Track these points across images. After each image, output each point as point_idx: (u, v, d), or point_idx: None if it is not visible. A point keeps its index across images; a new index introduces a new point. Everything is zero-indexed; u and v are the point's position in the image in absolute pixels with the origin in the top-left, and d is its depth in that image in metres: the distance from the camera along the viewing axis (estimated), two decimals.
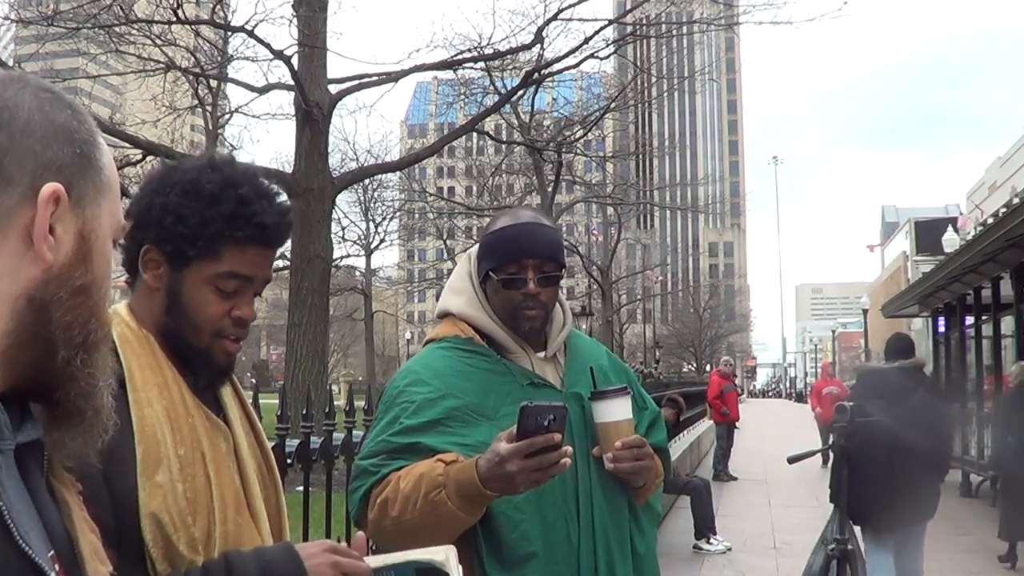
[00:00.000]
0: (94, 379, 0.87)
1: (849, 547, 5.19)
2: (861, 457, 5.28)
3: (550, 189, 26.76)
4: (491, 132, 22.01)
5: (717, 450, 14.95)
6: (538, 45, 16.32)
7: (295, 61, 14.01)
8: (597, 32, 17.00)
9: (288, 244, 1.62)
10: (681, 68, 48.21)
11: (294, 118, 14.48)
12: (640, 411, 2.20)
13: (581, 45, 16.71)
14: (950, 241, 23.44)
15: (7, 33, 36.99)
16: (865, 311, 38.63)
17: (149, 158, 16.49)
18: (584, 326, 32.31)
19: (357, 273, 45.64)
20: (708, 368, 53.26)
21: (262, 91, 17.00)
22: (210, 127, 26.84)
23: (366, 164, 26.83)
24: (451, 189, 64.12)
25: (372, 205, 39.70)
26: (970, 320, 14.56)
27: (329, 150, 15.69)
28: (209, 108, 26.25)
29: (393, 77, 15.37)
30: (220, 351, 1.51)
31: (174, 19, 14.54)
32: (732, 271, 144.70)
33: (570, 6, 16.43)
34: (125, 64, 18.45)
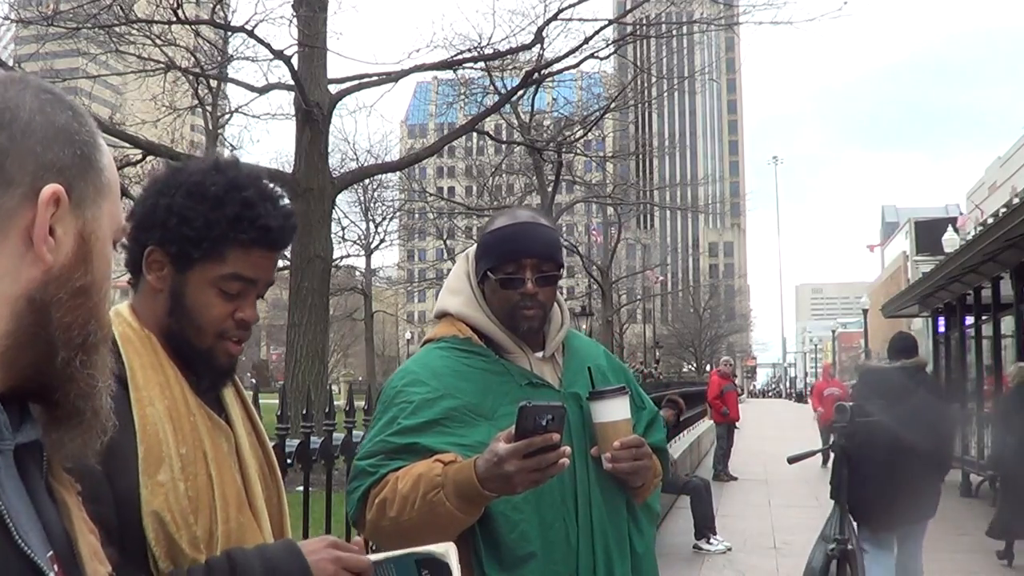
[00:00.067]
0: (93, 380, 0.87)
1: (849, 547, 5.19)
2: (861, 457, 5.29)
3: (550, 189, 26.76)
4: (491, 132, 22.01)
5: (717, 450, 14.95)
6: (538, 45, 16.32)
7: (295, 61, 14.01)
8: (597, 32, 17.01)
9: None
10: (681, 68, 48.23)
11: (294, 118, 14.48)
12: (638, 411, 2.20)
13: (581, 45, 16.71)
14: (950, 241, 23.45)
15: (7, 33, 37.00)
16: (865, 311, 38.62)
17: (149, 158, 16.50)
18: (584, 326, 32.34)
19: (357, 273, 45.64)
20: (708, 368, 53.25)
21: (262, 91, 17.01)
22: (210, 127, 26.84)
23: (366, 164, 26.82)
24: (451, 189, 64.11)
25: (372, 205, 39.71)
26: (970, 320, 14.56)
27: (329, 150, 15.69)
28: (209, 108, 26.25)
29: (393, 77, 15.37)
30: (222, 352, 1.51)
31: (174, 19, 14.53)
32: (732, 271, 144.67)
33: (570, 6, 16.44)
34: (125, 64, 18.45)
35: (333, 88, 14.72)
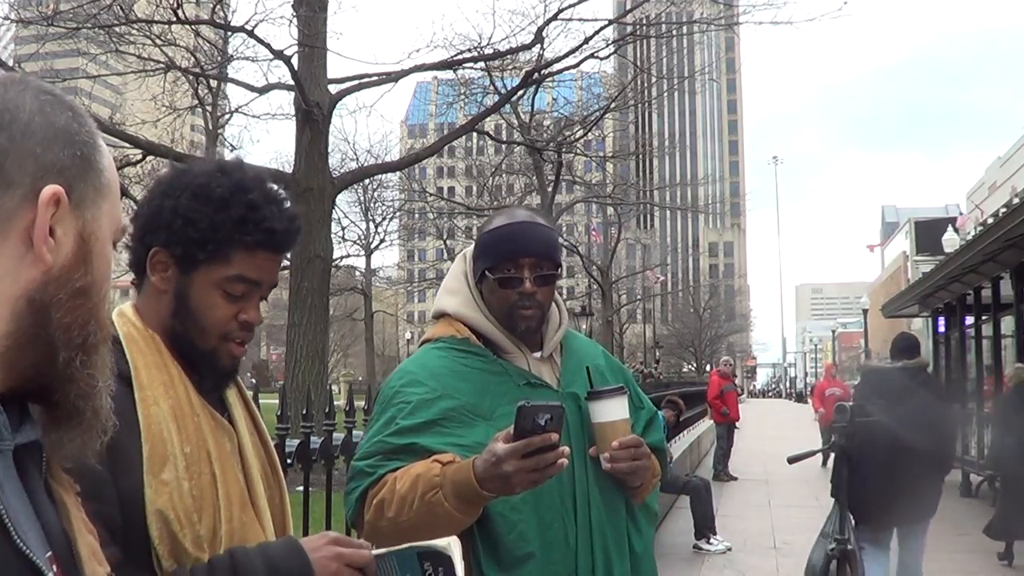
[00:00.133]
0: (93, 380, 0.87)
1: (849, 547, 5.20)
2: (862, 456, 5.30)
3: (550, 189, 26.76)
4: (491, 132, 22.00)
5: (717, 450, 14.95)
6: (538, 45, 16.31)
7: (295, 61, 14.00)
8: (597, 32, 16.99)
9: None
10: (681, 68, 48.23)
11: (294, 118, 14.47)
12: (636, 410, 2.20)
13: (581, 45, 16.70)
14: (950, 241, 23.44)
15: (7, 33, 37.02)
16: (865, 311, 38.62)
17: (149, 158, 16.50)
18: (584, 326, 32.34)
19: (357, 273, 45.64)
20: (708, 368, 53.25)
21: (262, 91, 17.00)
22: (210, 127, 26.85)
23: (366, 164, 26.82)
24: (451, 189, 64.12)
25: (372, 205, 39.71)
26: (970, 320, 14.56)
27: (329, 150, 15.68)
28: (209, 108, 26.25)
29: (393, 77, 15.36)
30: (225, 354, 1.52)
31: (174, 19, 14.52)
32: (732, 271, 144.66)
33: (570, 6, 16.42)
34: (125, 64, 18.44)
35: (333, 88, 14.71)
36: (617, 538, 2.06)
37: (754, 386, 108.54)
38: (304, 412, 2.67)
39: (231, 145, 28.11)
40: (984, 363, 13.84)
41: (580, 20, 21.03)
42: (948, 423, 6.10)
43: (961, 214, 37.72)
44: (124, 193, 15.61)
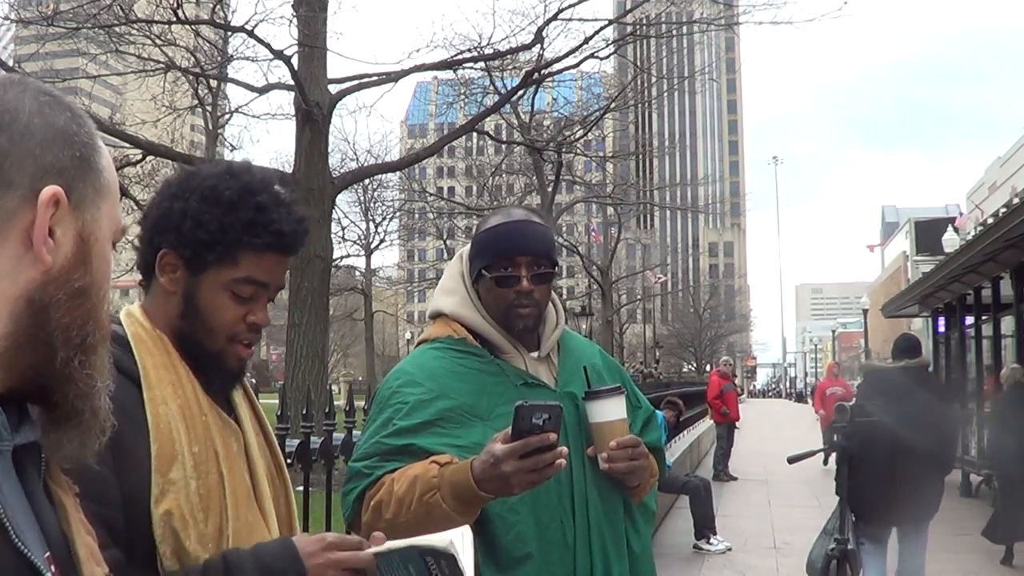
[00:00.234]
0: (92, 380, 0.87)
1: (849, 546, 5.20)
2: (863, 456, 5.30)
3: (550, 189, 26.76)
4: (491, 132, 21.99)
5: (717, 450, 14.96)
6: (538, 45, 16.30)
7: (295, 61, 14.00)
8: (597, 32, 16.99)
9: None
10: (681, 68, 48.19)
11: (294, 118, 14.46)
12: (634, 410, 2.19)
13: (581, 45, 16.69)
14: (950, 241, 23.42)
15: (7, 33, 37.02)
16: (865, 311, 38.61)
17: (149, 158, 16.49)
18: (584, 326, 32.34)
19: (357, 273, 45.61)
20: (708, 368, 53.25)
21: (262, 91, 16.99)
22: (210, 127, 26.85)
23: (366, 164, 26.82)
24: (451, 189, 64.15)
25: (372, 205, 39.67)
26: (970, 320, 14.56)
27: (329, 150, 15.67)
28: (209, 108, 26.26)
29: (393, 77, 15.36)
30: (232, 356, 1.53)
31: (174, 19, 14.52)
32: (732, 271, 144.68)
33: (570, 6, 16.42)
34: (125, 64, 18.44)
35: (333, 88, 14.70)
36: (615, 538, 2.06)
37: (754, 386, 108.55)
38: (304, 412, 2.67)
39: (231, 145, 28.13)
40: (984, 363, 13.84)
41: (580, 20, 20.99)
42: (949, 423, 6.10)
43: (961, 214, 37.71)
44: (124, 193, 15.62)
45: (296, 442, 2.64)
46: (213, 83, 24.26)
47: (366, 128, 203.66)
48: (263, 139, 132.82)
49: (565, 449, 1.81)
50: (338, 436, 2.94)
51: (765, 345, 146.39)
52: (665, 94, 34.41)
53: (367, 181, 33.25)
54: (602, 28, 17.47)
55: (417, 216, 40.91)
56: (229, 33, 18.33)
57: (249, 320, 1.52)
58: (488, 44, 16.59)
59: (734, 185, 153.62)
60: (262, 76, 50.40)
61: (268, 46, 14.20)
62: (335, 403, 3.52)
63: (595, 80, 28.94)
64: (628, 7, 19.82)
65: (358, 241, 41.51)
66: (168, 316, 1.51)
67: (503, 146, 29.29)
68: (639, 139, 40.03)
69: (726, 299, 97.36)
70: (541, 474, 1.79)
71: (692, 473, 11.31)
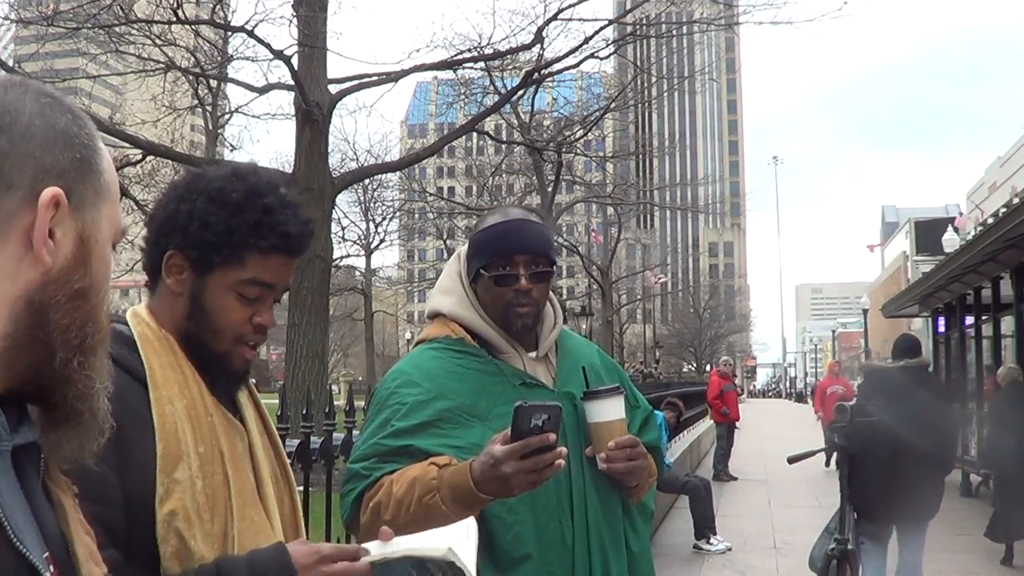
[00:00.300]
0: (91, 381, 0.87)
1: (849, 547, 5.20)
2: (865, 456, 5.30)
3: (550, 189, 26.76)
4: (491, 132, 21.98)
5: (717, 450, 14.96)
6: (538, 45, 16.30)
7: (295, 61, 13.99)
8: (597, 32, 16.98)
9: None
10: (681, 68, 48.18)
11: (294, 118, 14.46)
12: (632, 409, 2.19)
13: (581, 45, 16.68)
14: (950, 241, 23.43)
15: (7, 33, 37.00)
16: (865, 311, 38.61)
17: (149, 158, 16.48)
18: (584, 326, 32.34)
19: (357, 273, 45.60)
20: (708, 368, 53.25)
21: (262, 91, 16.98)
22: (210, 127, 26.84)
23: (366, 164, 26.81)
24: (451, 189, 64.14)
25: (372, 205, 39.66)
26: (970, 320, 14.56)
27: (329, 150, 15.67)
28: (209, 108, 26.24)
29: (393, 77, 15.35)
30: (238, 357, 1.54)
31: (174, 19, 14.52)
32: (732, 271, 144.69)
33: (570, 6, 16.41)
34: (125, 64, 18.43)
35: (333, 88, 14.70)
36: (614, 538, 2.06)
37: (754, 386, 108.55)
38: (304, 412, 2.67)
39: (231, 145, 28.13)
40: (984, 363, 13.84)
41: (580, 20, 20.99)
42: (949, 423, 6.11)
43: (961, 214, 37.71)
44: (124, 193, 15.61)
45: (296, 442, 2.64)
46: (213, 83, 24.25)
47: (366, 128, 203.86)
48: (263, 139, 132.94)
49: (564, 450, 1.81)
50: (338, 436, 2.94)
51: (765, 345, 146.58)
52: (665, 94, 34.41)
53: (367, 181, 33.26)
54: (602, 28, 17.47)
55: (417, 216, 40.90)
56: (229, 33, 18.33)
57: (255, 321, 1.53)
58: (488, 44, 16.60)
59: (734, 185, 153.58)
60: (262, 76, 50.42)
61: (268, 46, 14.20)
62: (335, 403, 3.52)
63: (595, 80, 28.95)
64: (628, 7, 19.81)
65: (358, 241, 41.52)
66: (174, 317, 1.52)
67: (503, 146, 29.30)
68: (639, 139, 40.03)
69: (726, 299, 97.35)
70: (541, 475, 1.79)
71: (692, 473, 11.31)
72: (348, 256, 40.82)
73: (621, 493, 2.09)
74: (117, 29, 15.40)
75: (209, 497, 1.41)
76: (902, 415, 5.24)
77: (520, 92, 19.26)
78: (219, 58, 19.92)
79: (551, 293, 2.17)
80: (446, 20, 37.69)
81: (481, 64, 17.75)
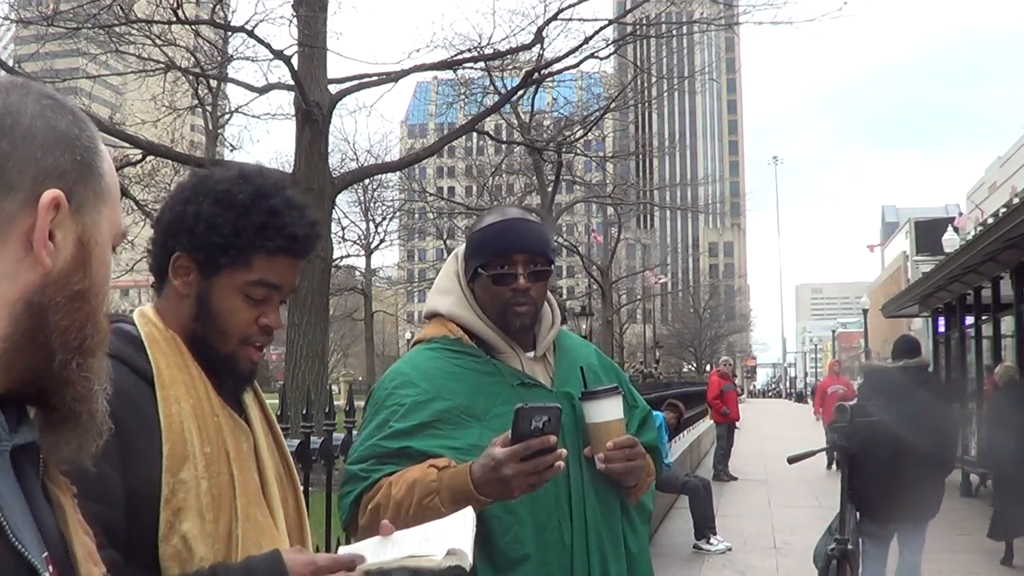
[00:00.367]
0: (90, 383, 0.87)
1: (849, 547, 5.20)
2: (866, 456, 5.30)
3: (550, 189, 26.77)
4: (491, 132, 21.99)
5: (717, 450, 14.96)
6: (538, 45, 16.30)
7: (295, 61, 14.00)
8: (597, 32, 16.99)
9: None
10: (681, 68, 48.17)
11: (294, 118, 14.46)
12: (630, 409, 2.19)
13: (581, 45, 16.69)
14: (950, 241, 23.43)
15: (7, 33, 37.00)
16: (865, 311, 38.61)
17: (149, 158, 16.48)
18: (584, 326, 32.34)
19: (357, 273, 45.59)
20: (708, 368, 53.25)
21: (262, 91, 16.98)
22: (210, 127, 26.82)
23: (366, 164, 26.82)
24: (451, 189, 64.12)
25: (372, 205, 39.67)
26: (970, 320, 14.56)
27: (329, 150, 15.67)
28: (209, 108, 26.22)
29: (393, 77, 15.35)
30: (244, 358, 1.54)
31: (174, 19, 14.52)
32: (732, 271, 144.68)
33: (570, 6, 16.42)
34: (125, 64, 18.44)
35: (333, 88, 14.70)
36: (613, 538, 2.06)
37: (754, 386, 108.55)
38: (304, 412, 2.67)
39: (231, 145, 28.11)
40: (984, 363, 13.83)
41: (580, 20, 20.98)
42: (949, 423, 6.11)
43: (961, 214, 37.71)
44: (124, 193, 15.61)
45: (296, 442, 2.64)
46: (213, 83, 24.22)
47: (366, 128, 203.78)
48: (263, 139, 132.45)
49: (564, 452, 1.81)
50: (338, 436, 2.94)
51: (765, 345, 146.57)
52: (665, 94, 34.43)
53: (367, 181, 33.28)
54: (602, 28, 17.48)
55: (417, 216, 40.91)
56: (229, 33, 18.33)
57: (262, 322, 1.53)
58: (488, 44, 16.61)
59: (734, 185, 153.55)
60: (262, 76, 50.34)
61: (268, 46, 14.21)
62: (335, 403, 3.52)
63: (595, 80, 28.96)
64: (628, 7, 19.82)
65: (358, 241, 41.53)
66: (181, 318, 1.53)
67: (503, 146, 29.30)
68: (639, 139, 40.05)
69: (726, 299, 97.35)
70: (541, 477, 1.79)
71: (692, 473, 11.31)
72: (348, 256, 40.86)
73: (619, 493, 2.09)
74: (117, 29, 15.41)
75: (215, 497, 1.41)
76: (902, 415, 5.24)
77: (520, 92, 19.27)
78: (219, 58, 19.92)
79: (549, 293, 2.17)
80: (446, 20, 37.77)
81: (481, 64, 17.76)
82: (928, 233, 37.75)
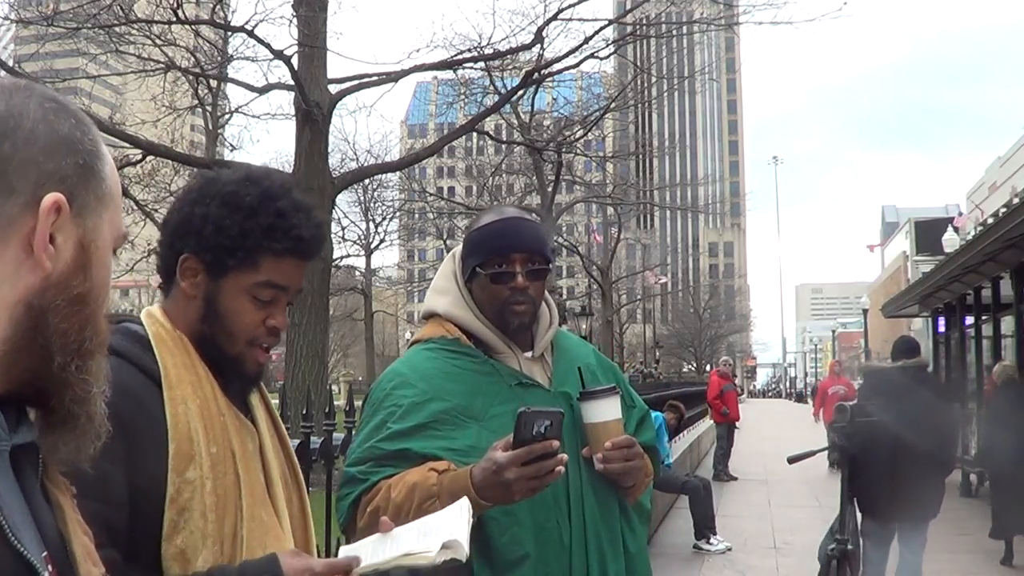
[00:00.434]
0: (88, 385, 0.87)
1: (849, 547, 5.21)
2: (865, 456, 5.31)
3: (550, 189, 26.78)
4: (491, 132, 21.99)
5: (717, 450, 14.96)
6: (538, 45, 16.30)
7: (295, 61, 13.99)
8: (597, 32, 16.98)
9: None
10: (681, 68, 48.18)
11: (294, 118, 14.45)
12: (628, 409, 2.19)
13: (581, 45, 16.68)
14: (950, 241, 23.43)
15: (7, 33, 36.98)
16: (865, 311, 38.63)
17: (149, 158, 16.48)
18: (584, 326, 32.34)
19: (357, 273, 45.56)
20: (708, 368, 53.24)
21: (262, 91, 16.98)
22: (210, 127, 26.81)
23: (366, 164, 26.82)
24: (451, 189, 64.12)
25: (372, 205, 39.66)
26: (970, 320, 14.56)
27: (329, 150, 15.66)
28: (209, 108, 26.20)
29: (393, 77, 15.35)
30: (251, 359, 1.56)
31: (174, 19, 14.52)
32: (732, 271, 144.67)
33: (570, 6, 16.41)
34: (125, 64, 18.44)
35: (333, 88, 14.69)
36: (611, 538, 2.06)
37: (754, 386, 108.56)
38: (304, 412, 2.67)
39: (231, 145, 28.11)
40: (984, 363, 13.83)
41: (580, 20, 20.97)
42: (949, 422, 6.12)
43: (961, 214, 37.71)
44: (124, 193, 15.60)
45: (296, 442, 2.64)
46: (213, 83, 24.22)
47: (366, 128, 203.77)
48: (263, 139, 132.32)
49: (565, 456, 1.82)
50: (338, 436, 2.94)
51: (765, 345, 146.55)
52: (665, 94, 34.45)
53: (367, 181, 33.27)
54: (602, 28, 17.47)
55: (417, 216, 40.91)
56: (229, 33, 18.32)
57: (269, 324, 1.55)
58: (488, 44, 16.60)
59: (734, 185, 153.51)
60: (262, 76, 50.33)
61: (268, 46, 14.20)
62: (335, 403, 3.52)
63: (595, 80, 28.97)
64: (628, 7, 19.82)
65: (358, 241, 41.50)
66: (188, 320, 1.53)
67: (503, 146, 29.30)
68: (639, 139, 40.07)
69: (726, 299, 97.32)
70: (542, 481, 1.79)
71: (692, 473, 11.31)
72: (348, 256, 40.83)
73: (618, 493, 2.09)
74: (117, 29, 15.40)
75: (220, 497, 1.42)
76: (902, 415, 5.24)
77: (520, 92, 19.27)
78: (219, 58, 19.92)
79: (547, 293, 2.17)
80: (446, 20, 37.76)
81: (481, 64, 17.76)
82: (928, 233, 37.77)
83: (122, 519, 1.34)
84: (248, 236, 1.50)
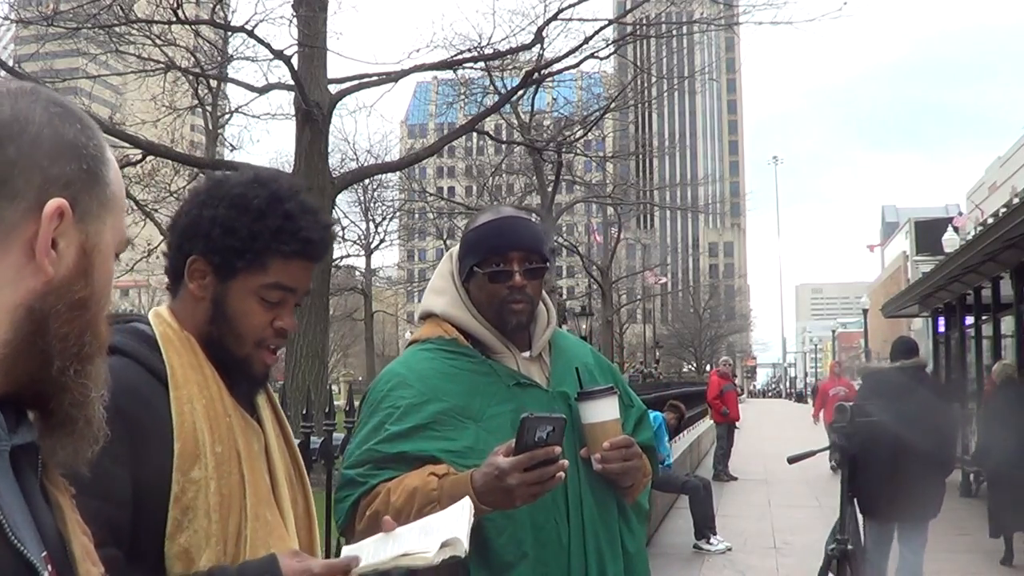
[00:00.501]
0: (87, 389, 0.88)
1: (849, 547, 5.21)
2: (865, 456, 5.31)
3: (550, 189, 26.78)
4: (491, 132, 21.98)
5: (717, 450, 14.96)
6: (538, 45, 16.30)
7: (295, 61, 13.99)
8: (597, 32, 16.98)
9: None
10: (681, 68, 48.16)
11: (294, 118, 14.46)
12: (626, 409, 2.19)
13: (581, 45, 16.68)
14: (950, 241, 23.42)
15: (7, 33, 36.98)
16: (865, 311, 38.63)
17: (149, 158, 16.47)
18: (584, 326, 32.35)
19: (357, 273, 45.54)
20: (708, 368, 53.24)
21: (262, 91, 16.98)
22: (210, 127, 26.80)
23: (366, 164, 26.81)
24: (451, 189, 64.12)
25: (372, 205, 39.63)
26: (970, 320, 14.57)
27: (329, 150, 15.66)
28: (209, 108, 26.20)
29: (393, 77, 15.35)
30: (259, 361, 1.56)
31: (174, 19, 14.52)
32: (732, 271, 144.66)
33: (570, 6, 16.41)
34: (125, 64, 18.45)
35: (333, 88, 14.69)
36: (610, 538, 2.06)
37: (754, 386, 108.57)
38: (304, 412, 2.68)
39: (231, 145, 28.09)
40: (984, 363, 13.83)
41: (580, 20, 21.00)
42: (948, 422, 6.12)
43: (961, 214, 37.69)
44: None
45: (297, 442, 2.65)
46: (213, 83, 24.22)
47: (366, 128, 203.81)
48: (263, 139, 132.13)
49: (566, 462, 1.82)
50: (338, 436, 2.94)
51: (765, 345, 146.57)
52: (665, 94, 34.45)
53: (367, 181, 33.25)
54: (602, 28, 17.47)
55: (417, 216, 40.90)
56: (229, 33, 18.33)
57: (276, 325, 1.55)
58: (488, 44, 16.60)
59: (734, 185, 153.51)
60: (262, 76, 50.33)
61: (268, 46, 14.20)
62: (335, 403, 3.53)
63: (595, 80, 28.97)
64: (628, 7, 19.82)
65: (358, 241, 41.47)
66: (196, 321, 1.54)
67: (503, 146, 29.30)
68: (639, 139, 40.07)
69: (726, 299, 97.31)
70: (544, 487, 1.80)
71: (692, 473, 11.31)
72: (348, 256, 40.79)
73: (616, 493, 2.09)
74: (117, 29, 15.41)
75: (225, 497, 1.42)
76: (901, 415, 5.25)
77: (520, 92, 19.27)
78: (219, 58, 19.92)
79: (544, 293, 2.17)
80: (446, 20, 37.79)
81: (481, 64, 17.75)
82: (928, 233, 37.75)
83: (124, 517, 1.35)
84: (257, 238, 1.51)
